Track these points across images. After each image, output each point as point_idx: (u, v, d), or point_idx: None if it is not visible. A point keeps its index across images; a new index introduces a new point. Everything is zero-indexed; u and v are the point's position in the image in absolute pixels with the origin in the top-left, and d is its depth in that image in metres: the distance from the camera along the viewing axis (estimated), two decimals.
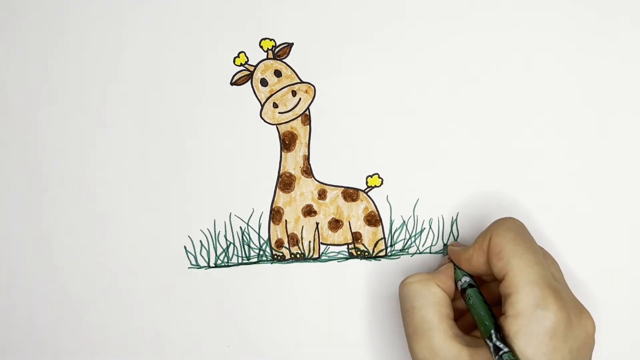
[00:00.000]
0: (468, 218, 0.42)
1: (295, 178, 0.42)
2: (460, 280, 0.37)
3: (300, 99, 0.42)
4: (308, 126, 0.42)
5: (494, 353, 0.32)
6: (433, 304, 0.35)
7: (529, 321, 0.32)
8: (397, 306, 0.42)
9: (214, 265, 0.43)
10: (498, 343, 0.32)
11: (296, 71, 0.42)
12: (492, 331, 0.33)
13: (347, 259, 0.43)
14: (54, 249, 0.43)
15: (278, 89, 0.42)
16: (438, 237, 0.42)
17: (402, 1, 0.42)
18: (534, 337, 0.32)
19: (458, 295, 0.37)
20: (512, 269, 0.33)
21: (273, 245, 0.43)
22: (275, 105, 0.42)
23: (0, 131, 0.43)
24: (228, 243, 0.43)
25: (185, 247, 0.43)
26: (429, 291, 0.35)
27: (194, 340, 0.43)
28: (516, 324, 0.32)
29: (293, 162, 0.42)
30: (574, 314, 0.33)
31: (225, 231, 0.43)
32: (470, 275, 0.37)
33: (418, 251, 0.42)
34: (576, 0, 0.41)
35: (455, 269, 0.38)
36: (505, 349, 0.32)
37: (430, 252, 0.42)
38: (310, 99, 0.42)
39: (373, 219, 0.42)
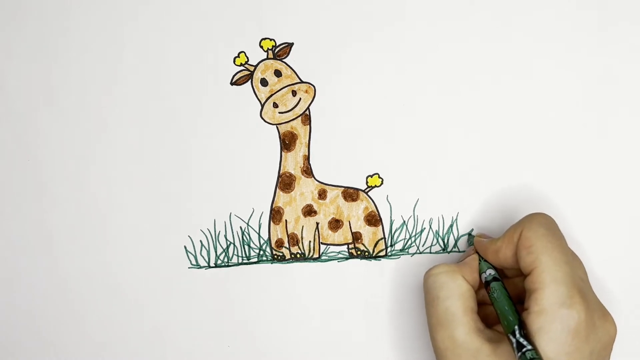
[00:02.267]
0: (468, 218, 0.42)
1: (295, 178, 0.42)
2: (485, 272, 0.37)
3: (300, 99, 0.42)
4: (308, 126, 0.42)
5: (517, 349, 0.32)
6: (458, 296, 0.35)
7: (553, 319, 0.32)
8: (397, 306, 0.42)
9: (214, 265, 0.43)
10: (521, 340, 0.32)
11: (296, 71, 0.42)
12: (516, 327, 0.32)
13: (347, 259, 0.43)
14: (54, 249, 0.43)
15: (278, 89, 0.42)
16: (438, 237, 0.42)
17: (403, 1, 0.42)
18: (557, 335, 0.31)
19: (480, 286, 0.37)
20: (541, 264, 0.33)
21: (273, 245, 0.43)
22: (275, 105, 0.42)
23: (0, 131, 0.43)
24: (228, 243, 0.43)
25: (185, 247, 0.43)
26: (455, 283, 0.35)
27: (194, 340, 0.43)
28: (539, 321, 0.32)
29: (293, 162, 0.42)
30: (598, 316, 0.33)
31: (225, 231, 0.43)
32: (495, 268, 0.37)
33: (418, 251, 0.42)
34: (576, 0, 0.41)
35: (480, 260, 0.38)
36: (529, 347, 0.31)
37: (430, 252, 0.42)
38: (310, 99, 0.42)
39: (373, 219, 0.42)
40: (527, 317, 0.32)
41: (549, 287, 0.32)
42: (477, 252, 0.38)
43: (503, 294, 0.35)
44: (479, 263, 0.37)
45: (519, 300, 0.36)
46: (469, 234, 0.42)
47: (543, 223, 0.35)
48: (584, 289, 0.33)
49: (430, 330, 0.35)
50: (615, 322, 0.34)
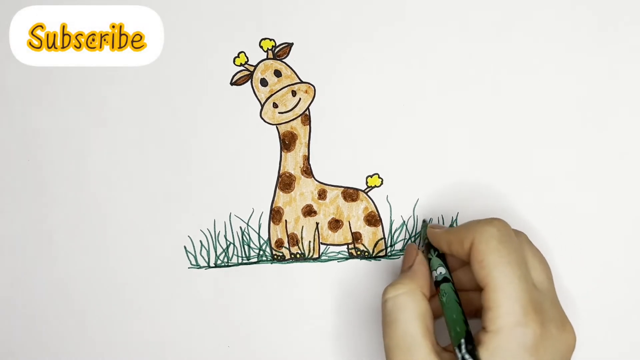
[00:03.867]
0: (468, 218, 0.42)
1: (295, 178, 0.42)
2: (435, 270, 0.36)
3: (300, 99, 0.42)
4: (308, 126, 0.42)
5: None
6: (417, 316, 0.34)
7: (509, 338, 0.31)
8: None
9: (214, 265, 0.43)
10: (467, 356, 0.31)
11: (296, 71, 0.42)
12: (462, 340, 0.32)
13: (347, 259, 0.43)
14: (53, 249, 0.43)
15: (278, 89, 0.42)
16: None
17: (403, 1, 0.42)
18: (514, 354, 0.31)
19: (434, 290, 0.37)
20: (493, 280, 0.32)
21: (273, 245, 0.43)
22: (275, 105, 0.42)
23: (0, 131, 0.43)
24: (228, 243, 0.43)
25: (185, 247, 0.43)
26: (415, 303, 0.34)
27: (194, 340, 0.43)
28: (496, 341, 0.31)
29: (293, 162, 0.42)
30: (556, 326, 0.33)
31: (225, 231, 0.43)
32: (446, 266, 0.36)
33: None
34: (576, 1, 0.41)
35: (431, 257, 0.37)
36: None
37: None
38: (310, 99, 0.42)
39: (373, 219, 0.42)
40: (484, 337, 0.32)
41: (503, 306, 0.32)
42: (425, 249, 0.38)
43: (452, 298, 0.34)
44: (430, 260, 0.37)
45: (473, 290, 0.36)
46: (423, 221, 0.41)
47: (495, 235, 0.34)
48: (540, 301, 0.33)
49: (387, 353, 0.34)
50: (574, 330, 0.34)
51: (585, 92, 0.42)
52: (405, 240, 0.42)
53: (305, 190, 0.43)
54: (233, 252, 0.43)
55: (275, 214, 0.43)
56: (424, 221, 0.42)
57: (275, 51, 0.42)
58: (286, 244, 0.43)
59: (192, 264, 0.43)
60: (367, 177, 0.42)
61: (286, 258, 0.43)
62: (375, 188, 0.42)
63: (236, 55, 0.42)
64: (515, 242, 0.34)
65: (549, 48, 0.41)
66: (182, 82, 0.42)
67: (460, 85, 0.42)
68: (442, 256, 0.37)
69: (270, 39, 0.42)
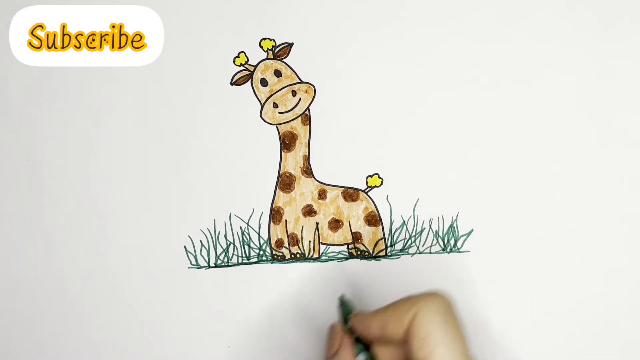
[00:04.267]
0: (468, 218, 0.42)
1: (295, 178, 0.42)
2: (358, 357, 0.34)
3: (300, 99, 0.42)
4: (308, 126, 0.42)
5: None
6: None
7: None
8: None
9: (214, 265, 0.43)
10: None
11: (296, 71, 0.42)
12: None
13: (347, 259, 0.43)
14: (53, 249, 0.43)
15: (278, 89, 0.42)
16: (438, 237, 0.42)
17: (403, 1, 0.42)
18: None
19: None
20: (437, 359, 0.31)
21: (273, 245, 0.43)
22: (275, 105, 0.42)
23: (0, 131, 0.43)
24: (228, 243, 0.43)
25: (185, 247, 0.43)
26: None
27: (194, 340, 0.43)
28: None
29: (293, 162, 0.42)
30: None
31: (225, 231, 0.43)
32: (367, 350, 0.34)
33: (418, 251, 0.42)
34: (576, 1, 0.41)
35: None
36: None
37: (430, 252, 0.42)
38: (310, 99, 0.42)
39: (373, 219, 0.42)
40: None
41: None
42: (347, 334, 0.36)
43: None
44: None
45: None
46: (341, 300, 0.38)
47: (439, 310, 0.32)
48: None
49: None
50: None
51: (585, 92, 0.42)
52: (405, 240, 0.42)
53: (305, 190, 0.43)
54: (233, 252, 0.43)
55: (276, 214, 0.43)
56: (340, 299, 0.39)
57: (275, 51, 0.42)
58: (286, 244, 0.43)
59: (192, 264, 0.43)
60: (367, 177, 0.42)
61: (286, 258, 0.43)
62: (375, 188, 0.42)
63: (236, 55, 0.42)
64: (456, 317, 0.32)
65: (549, 48, 0.41)
66: (182, 82, 0.42)
67: (460, 85, 0.42)
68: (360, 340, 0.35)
69: (270, 39, 0.42)
